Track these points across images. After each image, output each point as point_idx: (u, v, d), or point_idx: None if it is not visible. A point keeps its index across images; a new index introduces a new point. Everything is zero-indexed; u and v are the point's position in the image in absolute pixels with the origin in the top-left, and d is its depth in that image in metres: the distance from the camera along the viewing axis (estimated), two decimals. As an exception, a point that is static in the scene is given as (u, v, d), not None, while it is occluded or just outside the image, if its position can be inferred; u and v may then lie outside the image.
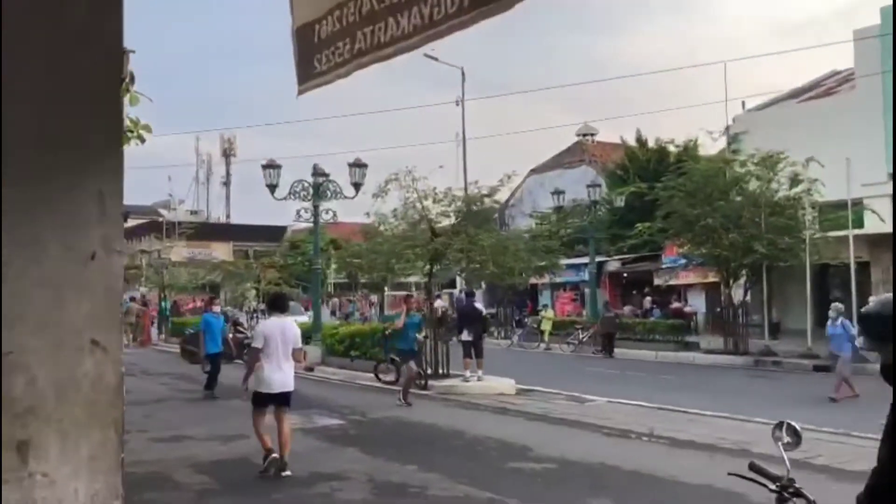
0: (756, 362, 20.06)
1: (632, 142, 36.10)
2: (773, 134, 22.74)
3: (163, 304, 35.69)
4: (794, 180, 20.30)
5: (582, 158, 38.57)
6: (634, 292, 32.83)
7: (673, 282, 27.83)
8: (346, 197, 19.69)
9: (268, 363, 7.91)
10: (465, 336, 15.51)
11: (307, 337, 20.39)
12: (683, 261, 24.75)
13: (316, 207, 20.08)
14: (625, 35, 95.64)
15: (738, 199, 20.96)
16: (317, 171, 20.12)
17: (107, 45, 2.23)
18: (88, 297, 2.09)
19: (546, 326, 26.11)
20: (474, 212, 16.93)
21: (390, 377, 15.86)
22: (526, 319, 30.52)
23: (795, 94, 29.12)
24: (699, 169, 21.67)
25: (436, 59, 33.71)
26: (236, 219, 68.08)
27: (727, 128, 26.38)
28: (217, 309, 16.22)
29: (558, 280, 33.34)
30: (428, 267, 16.90)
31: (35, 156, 2.10)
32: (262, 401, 8.08)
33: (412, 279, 43.94)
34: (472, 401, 13.97)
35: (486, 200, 17.30)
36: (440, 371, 16.29)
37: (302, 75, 2.98)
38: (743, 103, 28.88)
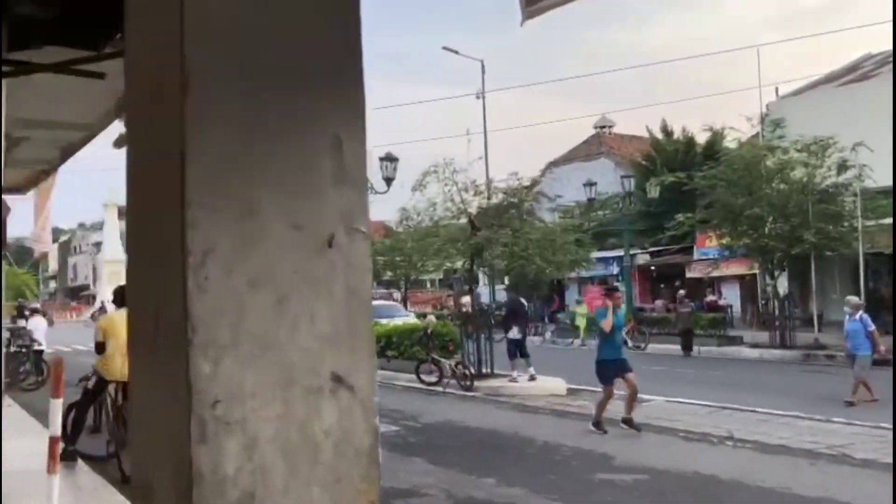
0: (806, 356, 19.20)
1: (657, 133, 35.35)
2: (812, 119, 21.84)
3: None
4: (843, 166, 19.43)
5: (600, 151, 37.82)
6: (663, 286, 31.98)
7: (712, 274, 26.95)
8: (377, 192, 18.84)
9: None
10: (514, 334, 14.71)
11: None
12: (718, 252, 23.86)
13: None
14: (647, 27, 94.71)
15: (783, 186, 20.10)
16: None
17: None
18: (325, 304, 1.28)
19: (581, 322, 25.24)
20: (515, 204, 16.11)
21: (433, 378, 15.12)
22: (558, 315, 29.68)
23: (831, 79, 28.20)
24: (742, 156, 20.82)
25: (456, 52, 33.01)
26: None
27: (764, 115, 25.49)
28: None
29: (585, 274, 32.47)
30: (469, 263, 16.08)
31: (246, 83, 1.28)
32: None
33: (431, 276, 43.08)
34: (524, 402, 13.22)
35: (527, 193, 16.50)
36: (483, 371, 15.52)
37: None
38: (776, 90, 28.00)
